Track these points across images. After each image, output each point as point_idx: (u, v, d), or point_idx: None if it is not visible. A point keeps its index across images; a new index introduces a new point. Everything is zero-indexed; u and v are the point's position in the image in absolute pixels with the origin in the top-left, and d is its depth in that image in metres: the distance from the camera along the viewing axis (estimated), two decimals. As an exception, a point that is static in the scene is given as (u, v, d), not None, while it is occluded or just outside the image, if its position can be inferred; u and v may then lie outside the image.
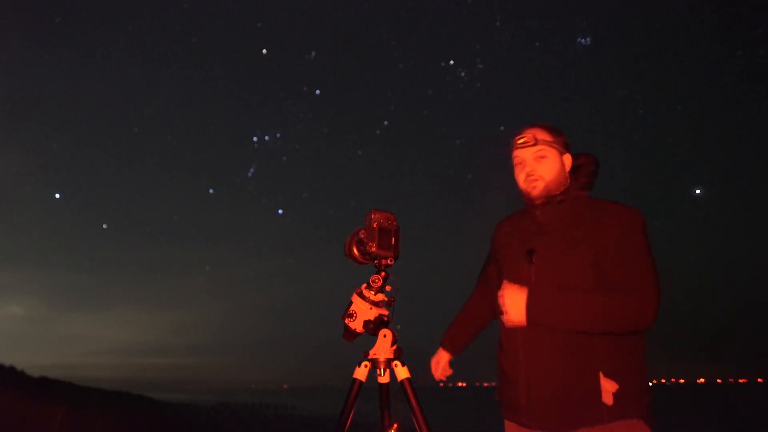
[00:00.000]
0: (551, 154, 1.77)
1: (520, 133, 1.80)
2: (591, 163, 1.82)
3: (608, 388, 1.60)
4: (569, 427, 1.63)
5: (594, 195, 1.82)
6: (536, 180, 1.76)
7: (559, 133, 1.80)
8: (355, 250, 1.89)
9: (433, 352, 2.25)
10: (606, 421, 1.59)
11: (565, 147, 1.81)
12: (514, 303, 1.66)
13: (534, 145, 1.76)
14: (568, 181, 1.79)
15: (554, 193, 1.76)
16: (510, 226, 1.95)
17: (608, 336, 1.63)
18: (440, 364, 2.22)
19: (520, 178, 1.81)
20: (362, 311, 1.85)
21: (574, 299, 1.61)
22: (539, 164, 1.76)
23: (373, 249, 1.84)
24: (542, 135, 1.78)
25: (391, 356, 1.82)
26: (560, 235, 1.73)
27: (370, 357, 1.84)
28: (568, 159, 1.80)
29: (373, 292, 1.86)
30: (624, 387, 1.60)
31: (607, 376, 1.61)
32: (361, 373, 1.83)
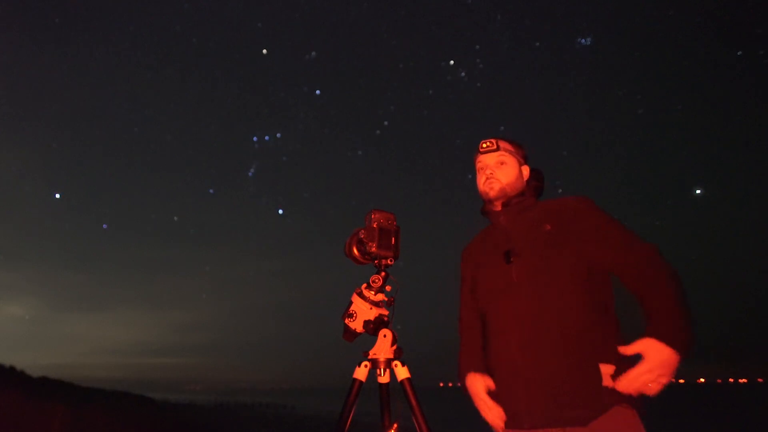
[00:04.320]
0: (511, 161, 1.93)
1: (485, 140, 1.95)
2: (539, 173, 2.00)
3: (606, 371, 1.65)
4: (581, 421, 1.63)
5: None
6: (494, 181, 1.90)
7: (520, 146, 1.98)
8: (355, 250, 1.90)
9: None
10: (607, 407, 1.62)
11: (525, 159, 1.98)
12: (668, 363, 1.51)
13: (496, 150, 1.92)
14: (524, 189, 1.93)
15: (511, 195, 1.89)
16: (478, 244, 2.02)
17: (597, 321, 1.69)
18: (486, 398, 1.82)
19: (481, 181, 1.94)
20: (362, 311, 1.85)
21: (673, 302, 1.58)
22: (499, 169, 1.91)
23: (373, 249, 1.84)
24: (504, 144, 1.94)
25: (391, 356, 1.82)
26: (533, 233, 1.79)
27: (370, 357, 1.84)
28: (526, 170, 1.97)
29: (373, 292, 1.86)
30: (619, 367, 1.63)
31: (604, 362, 1.65)
32: (361, 373, 1.83)
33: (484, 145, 1.93)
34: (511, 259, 1.77)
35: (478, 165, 1.96)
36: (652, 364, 1.51)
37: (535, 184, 1.95)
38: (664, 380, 1.52)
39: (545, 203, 1.89)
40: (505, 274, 1.78)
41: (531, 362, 1.69)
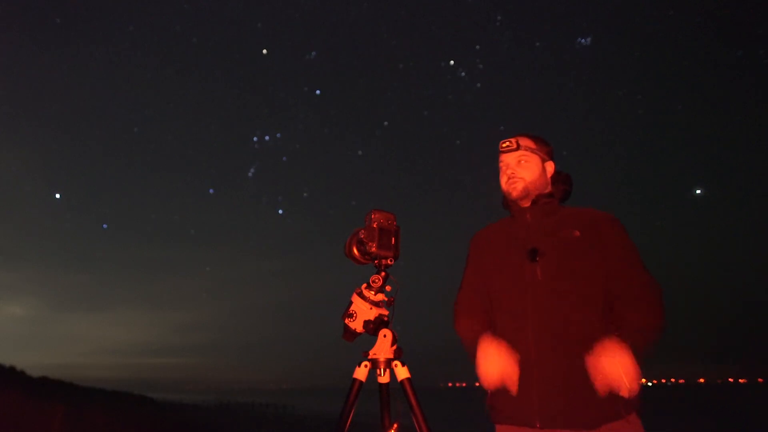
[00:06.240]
0: (533, 159, 1.91)
1: (504, 140, 1.94)
2: (568, 177, 1.97)
3: (625, 382, 1.64)
4: (594, 424, 1.63)
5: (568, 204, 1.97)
6: (516, 181, 1.89)
7: (544, 142, 1.96)
8: (355, 250, 1.89)
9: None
10: (623, 415, 1.63)
11: (549, 155, 1.95)
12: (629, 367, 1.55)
13: (516, 149, 1.90)
14: (550, 188, 1.92)
15: (535, 195, 1.88)
16: (494, 233, 2.00)
17: (614, 331, 1.67)
18: (501, 357, 1.72)
19: (503, 180, 1.93)
20: (362, 311, 1.85)
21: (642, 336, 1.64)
22: (520, 167, 1.90)
23: (373, 249, 1.84)
24: (525, 142, 1.92)
25: (391, 356, 1.82)
26: (559, 236, 1.80)
27: (370, 357, 1.83)
28: (550, 166, 1.94)
29: (373, 292, 1.85)
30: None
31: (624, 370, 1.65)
32: (361, 373, 1.82)
33: (504, 145, 1.92)
34: (537, 258, 1.77)
35: (500, 164, 1.95)
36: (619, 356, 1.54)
37: (564, 188, 1.94)
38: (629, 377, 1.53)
39: (571, 209, 1.90)
40: (528, 271, 1.78)
41: (547, 360, 1.69)
